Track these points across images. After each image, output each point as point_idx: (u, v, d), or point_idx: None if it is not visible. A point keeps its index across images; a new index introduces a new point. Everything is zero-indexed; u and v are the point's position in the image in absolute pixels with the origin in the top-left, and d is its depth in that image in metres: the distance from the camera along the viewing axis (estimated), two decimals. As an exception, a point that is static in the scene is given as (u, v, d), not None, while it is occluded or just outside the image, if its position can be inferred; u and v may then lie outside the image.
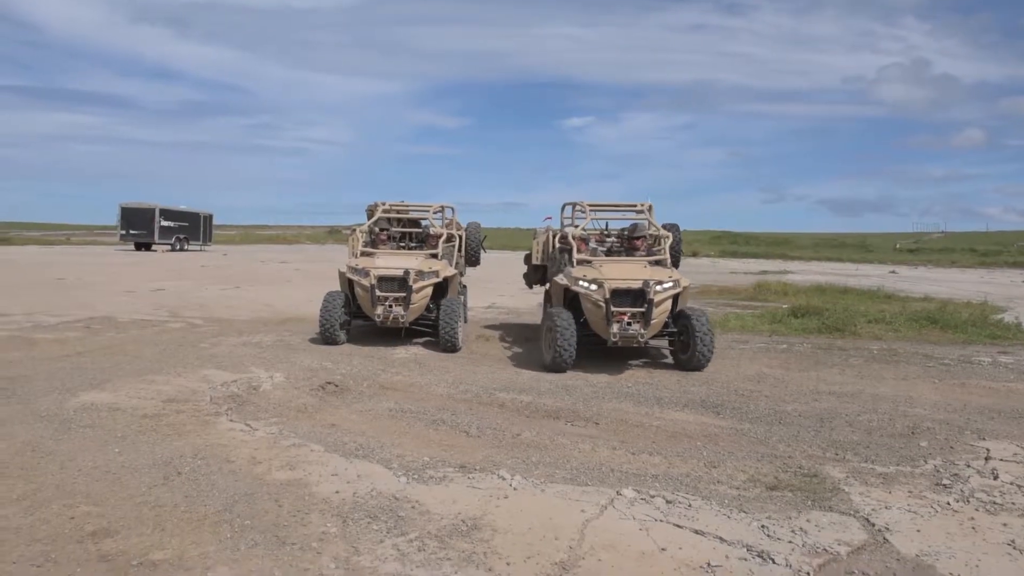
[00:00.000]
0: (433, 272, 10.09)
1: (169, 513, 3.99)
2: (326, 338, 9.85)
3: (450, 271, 10.55)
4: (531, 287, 12.42)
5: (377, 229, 11.42)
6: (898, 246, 70.06)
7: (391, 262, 10.19)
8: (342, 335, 9.99)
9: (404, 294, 9.77)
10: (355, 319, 10.33)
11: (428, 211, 11.90)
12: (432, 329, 10.21)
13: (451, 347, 9.67)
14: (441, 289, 10.42)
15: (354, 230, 11.40)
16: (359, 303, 10.17)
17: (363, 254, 10.60)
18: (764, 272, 31.88)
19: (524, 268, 12.38)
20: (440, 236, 11.18)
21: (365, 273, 9.91)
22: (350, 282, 10.18)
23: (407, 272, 9.78)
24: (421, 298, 9.97)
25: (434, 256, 10.70)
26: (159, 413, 6.11)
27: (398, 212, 11.97)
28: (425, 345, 10.16)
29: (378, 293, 9.76)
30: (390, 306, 9.81)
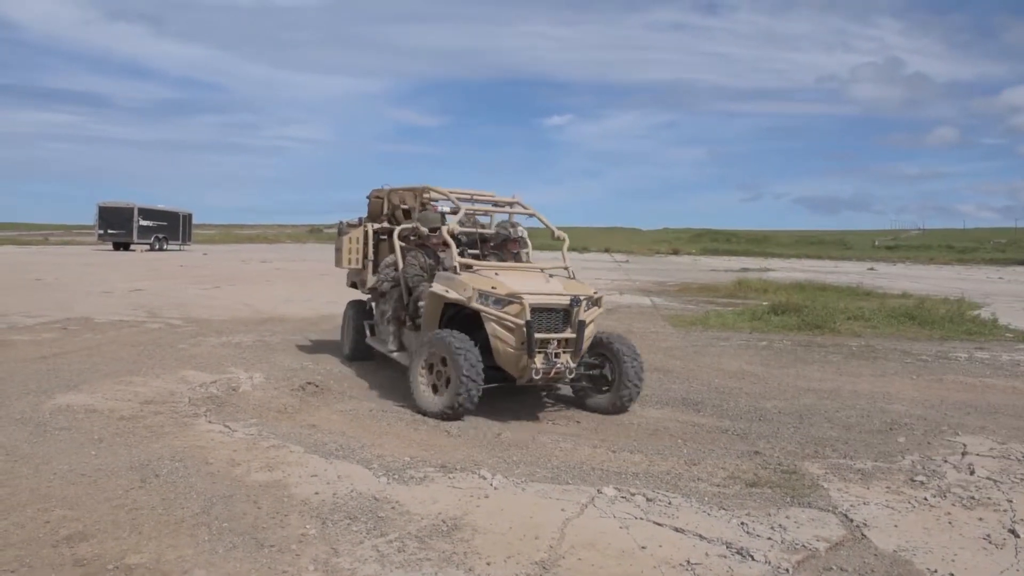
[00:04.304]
0: (595, 299, 6.67)
1: (146, 516, 3.94)
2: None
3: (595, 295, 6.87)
4: None
5: (386, 222, 8.31)
6: (876, 243, 70.81)
7: (536, 284, 6.53)
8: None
9: (573, 335, 6.31)
10: (487, 383, 6.16)
11: (504, 206, 8.09)
12: (590, 380, 6.79)
13: (627, 407, 6.63)
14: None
15: (359, 223, 8.48)
16: (494, 353, 6.30)
17: (464, 267, 6.74)
18: (744, 270, 32.08)
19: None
20: (526, 245, 8.02)
21: (509, 301, 6.19)
22: (459, 314, 6.66)
23: (575, 300, 6.33)
24: (589, 337, 6.55)
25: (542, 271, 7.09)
26: (136, 415, 6.03)
27: (459, 198, 7.66)
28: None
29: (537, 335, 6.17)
30: (556, 355, 6.26)
